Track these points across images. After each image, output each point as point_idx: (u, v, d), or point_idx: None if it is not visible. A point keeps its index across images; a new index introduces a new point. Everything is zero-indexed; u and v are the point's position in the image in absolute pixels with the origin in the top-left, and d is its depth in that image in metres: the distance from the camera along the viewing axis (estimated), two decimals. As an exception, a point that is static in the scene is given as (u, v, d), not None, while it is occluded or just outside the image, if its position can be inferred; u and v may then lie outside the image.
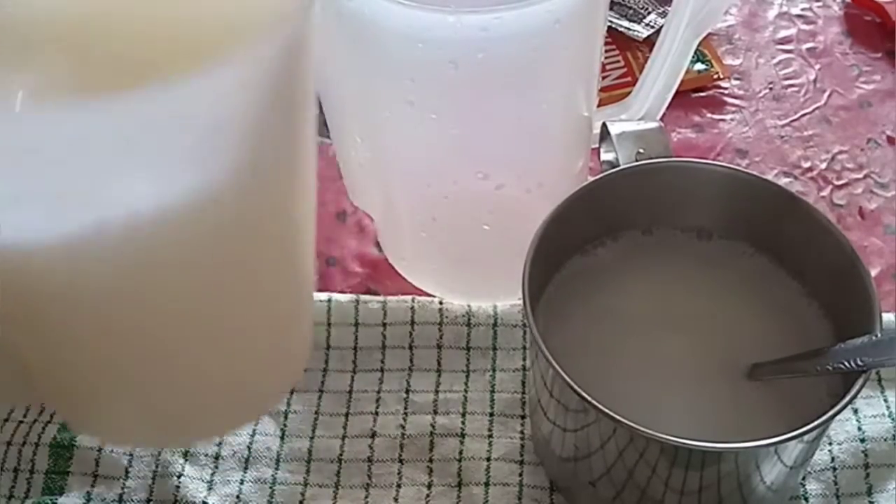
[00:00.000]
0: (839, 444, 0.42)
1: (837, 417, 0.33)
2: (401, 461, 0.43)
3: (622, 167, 0.41)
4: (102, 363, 0.29)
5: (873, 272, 0.49)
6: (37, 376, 0.31)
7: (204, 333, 0.30)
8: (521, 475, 0.42)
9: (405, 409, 0.44)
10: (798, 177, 0.54)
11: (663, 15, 0.61)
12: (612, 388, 0.36)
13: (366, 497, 0.42)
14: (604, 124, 0.43)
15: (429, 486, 0.42)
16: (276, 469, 0.43)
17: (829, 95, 0.59)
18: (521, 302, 0.37)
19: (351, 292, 0.48)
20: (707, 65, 0.59)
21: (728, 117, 0.58)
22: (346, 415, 0.44)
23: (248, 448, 0.43)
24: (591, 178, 0.41)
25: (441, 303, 0.46)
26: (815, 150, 0.56)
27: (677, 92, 0.50)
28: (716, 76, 0.59)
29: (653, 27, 0.60)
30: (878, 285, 0.44)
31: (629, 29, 0.61)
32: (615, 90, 0.57)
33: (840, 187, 0.54)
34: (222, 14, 0.28)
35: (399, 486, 0.42)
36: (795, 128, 0.57)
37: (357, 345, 0.46)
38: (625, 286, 0.41)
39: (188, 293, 0.28)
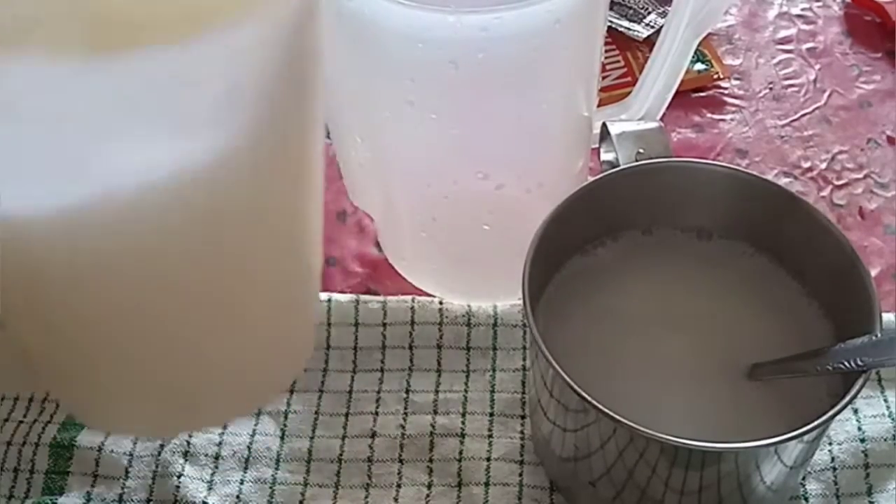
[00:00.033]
0: (839, 444, 0.42)
1: (837, 417, 0.34)
2: (401, 461, 0.43)
3: (622, 167, 0.41)
4: (105, 347, 0.29)
5: (873, 272, 0.49)
6: (38, 362, 0.31)
7: (210, 314, 0.29)
8: (521, 475, 0.42)
9: (405, 409, 0.44)
10: (798, 177, 0.54)
11: (663, 15, 0.61)
12: (612, 388, 0.36)
13: (366, 497, 0.42)
14: (604, 124, 0.43)
15: (429, 486, 0.42)
16: (276, 469, 0.43)
17: (829, 95, 0.59)
18: (521, 302, 0.37)
19: (351, 292, 0.48)
20: (707, 65, 0.59)
21: (728, 117, 0.58)
22: (346, 415, 0.44)
23: (248, 448, 0.43)
24: (591, 178, 0.41)
25: (441, 303, 0.46)
26: (815, 150, 0.56)
27: (677, 92, 0.50)
28: (716, 76, 0.59)
29: (653, 27, 0.60)
30: (878, 285, 0.44)
31: (629, 29, 0.61)
32: (615, 90, 0.57)
33: (840, 187, 0.54)
34: None
35: (399, 486, 0.42)
36: (795, 128, 0.57)
37: (357, 345, 0.46)
38: (625, 286, 0.41)
39: (196, 271, 0.28)
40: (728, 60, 0.61)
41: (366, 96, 0.41)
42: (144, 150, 0.24)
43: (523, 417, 0.44)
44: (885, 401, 0.43)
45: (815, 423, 0.33)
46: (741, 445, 0.33)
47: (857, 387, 0.34)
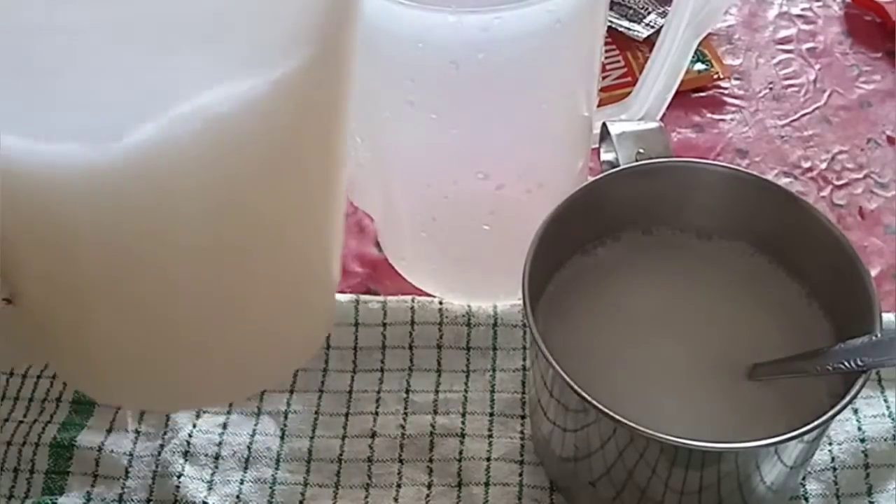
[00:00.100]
0: (839, 444, 0.42)
1: (837, 417, 0.34)
2: (401, 461, 0.43)
3: (622, 167, 0.41)
4: (122, 314, 0.29)
5: (873, 272, 0.49)
6: (52, 337, 0.30)
7: (240, 279, 0.29)
8: (521, 475, 0.42)
9: (405, 409, 0.44)
10: (798, 177, 0.54)
11: (663, 15, 0.60)
12: (612, 387, 0.36)
13: (366, 497, 0.42)
14: (604, 124, 0.43)
15: (429, 486, 0.42)
16: (276, 469, 0.43)
17: (829, 95, 0.59)
18: (521, 302, 0.37)
19: (351, 292, 0.48)
20: (707, 65, 0.59)
21: (728, 117, 0.58)
22: (346, 415, 0.44)
23: (248, 448, 0.43)
24: (591, 178, 0.41)
25: (441, 303, 0.46)
26: (815, 150, 0.56)
27: (677, 92, 0.50)
28: (716, 76, 0.59)
29: (653, 27, 0.60)
30: (878, 285, 0.44)
31: (629, 29, 0.61)
32: (615, 90, 0.57)
33: (840, 187, 0.54)
34: None
35: (399, 486, 0.42)
36: (795, 128, 0.57)
37: (357, 345, 0.46)
38: (625, 286, 0.41)
39: (233, 227, 0.27)
40: (728, 60, 0.61)
41: (366, 96, 0.41)
42: (215, 80, 0.24)
43: (523, 417, 0.44)
44: (885, 401, 0.43)
45: (815, 423, 0.33)
46: (741, 445, 0.33)
47: (857, 387, 0.34)
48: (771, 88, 0.59)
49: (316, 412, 0.44)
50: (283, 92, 0.26)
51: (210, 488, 0.42)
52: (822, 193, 0.54)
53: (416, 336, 0.46)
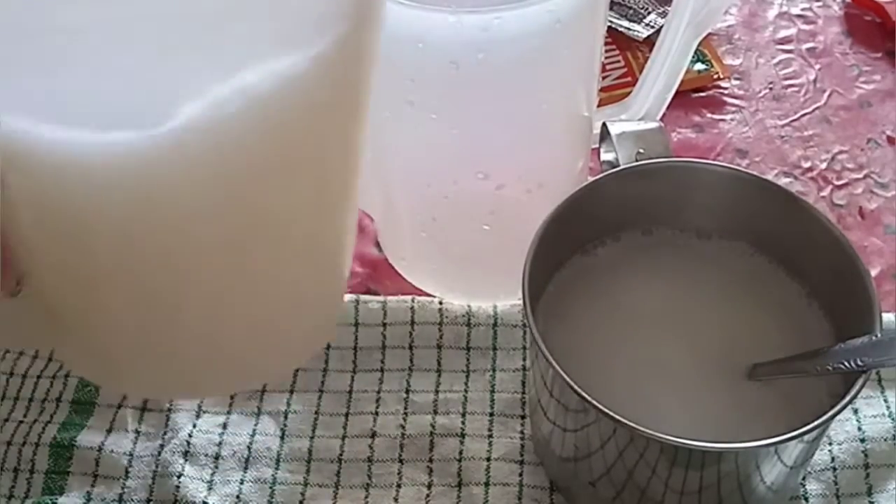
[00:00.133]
0: (839, 444, 0.42)
1: (837, 417, 0.34)
2: (401, 461, 0.43)
3: (622, 167, 0.41)
4: (134, 302, 0.28)
5: (873, 272, 0.49)
6: (59, 318, 0.30)
7: (255, 267, 0.29)
8: (521, 475, 0.42)
9: (405, 409, 0.44)
10: (798, 177, 0.54)
11: (663, 15, 0.61)
12: (612, 388, 0.36)
13: (366, 497, 0.42)
14: (604, 124, 0.43)
15: (429, 486, 0.42)
16: (276, 469, 0.43)
17: (829, 95, 0.59)
18: (521, 302, 0.37)
19: (351, 292, 0.48)
20: (707, 65, 0.59)
21: (728, 117, 0.58)
22: (346, 415, 0.44)
23: (248, 448, 0.43)
24: (591, 178, 0.41)
25: (441, 303, 0.46)
26: (815, 150, 0.56)
27: (677, 92, 0.50)
28: (716, 76, 0.59)
29: (653, 27, 0.60)
30: (878, 285, 0.44)
31: (629, 29, 0.61)
32: (615, 90, 0.57)
33: (840, 187, 0.54)
34: None
35: (399, 486, 0.42)
36: (795, 128, 0.57)
37: (357, 345, 0.46)
38: (625, 286, 0.41)
39: (254, 213, 0.27)
40: (728, 60, 0.61)
41: (366, 96, 0.41)
42: (254, 59, 0.24)
43: (523, 417, 0.44)
44: (885, 401, 0.43)
45: (815, 423, 0.33)
46: (741, 445, 0.33)
47: (857, 387, 0.34)
48: (771, 88, 0.59)
49: (316, 412, 0.44)
50: (322, 68, 0.26)
51: (210, 488, 0.42)
52: (822, 193, 0.54)
53: (416, 336, 0.46)
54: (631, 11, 0.62)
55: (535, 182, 0.44)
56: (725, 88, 0.59)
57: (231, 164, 0.25)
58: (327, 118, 0.28)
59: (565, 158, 0.45)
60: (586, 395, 0.34)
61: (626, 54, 0.60)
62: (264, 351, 0.32)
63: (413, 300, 0.47)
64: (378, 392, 0.45)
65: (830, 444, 0.42)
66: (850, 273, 0.38)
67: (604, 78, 0.55)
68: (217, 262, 0.28)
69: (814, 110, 0.58)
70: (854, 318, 0.37)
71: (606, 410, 0.33)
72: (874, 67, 0.60)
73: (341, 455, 0.43)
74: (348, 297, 0.47)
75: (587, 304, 0.41)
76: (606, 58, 0.59)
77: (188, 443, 0.43)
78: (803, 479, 0.41)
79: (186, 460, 0.42)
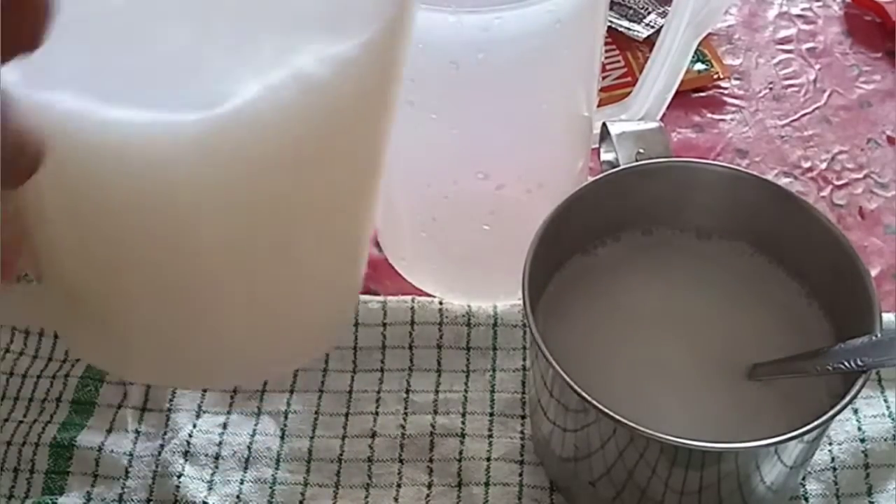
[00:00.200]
0: (839, 444, 0.42)
1: (837, 417, 0.34)
2: (401, 461, 0.43)
3: (622, 167, 0.41)
4: (158, 290, 0.28)
5: (873, 272, 0.49)
6: (75, 303, 0.30)
7: (282, 259, 0.28)
8: (521, 475, 0.42)
9: (405, 409, 0.44)
10: (798, 177, 0.54)
11: (663, 15, 0.60)
12: (612, 387, 0.36)
13: (366, 497, 0.42)
14: (604, 124, 0.43)
15: (429, 486, 0.42)
16: (276, 469, 0.43)
17: (829, 95, 0.59)
18: (521, 302, 0.37)
19: (351, 292, 0.48)
20: (707, 65, 0.59)
21: (728, 117, 0.58)
22: (346, 415, 0.44)
23: (248, 448, 0.43)
24: (591, 178, 0.41)
25: (441, 303, 0.46)
26: (815, 150, 0.56)
27: (677, 92, 0.50)
28: (716, 76, 0.59)
29: (653, 27, 0.60)
30: (878, 285, 0.44)
31: (629, 29, 0.61)
32: (615, 90, 0.57)
33: (840, 187, 0.54)
34: None
35: (399, 486, 0.42)
36: (795, 128, 0.57)
37: (357, 345, 0.46)
38: (625, 286, 0.41)
39: (293, 200, 0.27)
40: (728, 60, 0.61)
41: (366, 96, 0.41)
42: (308, 44, 0.24)
43: (523, 417, 0.44)
44: (885, 401, 0.43)
45: (815, 423, 0.33)
46: (741, 445, 0.33)
47: (857, 387, 0.34)
48: (771, 88, 0.59)
49: (316, 412, 0.44)
50: (372, 53, 0.26)
51: (210, 488, 0.42)
52: (822, 193, 0.54)
53: (416, 336, 0.46)
54: (631, 11, 0.62)
55: (535, 182, 0.44)
56: (725, 88, 0.59)
57: (280, 151, 0.25)
58: (374, 105, 0.28)
59: (565, 158, 0.45)
60: (586, 395, 0.34)
61: (626, 54, 0.60)
62: (284, 342, 0.32)
63: (413, 300, 0.47)
64: (378, 392, 0.45)
65: (830, 444, 0.42)
66: (850, 273, 0.38)
67: (604, 78, 0.55)
68: (252, 251, 0.28)
69: (814, 110, 0.58)
70: (854, 318, 0.37)
71: (606, 410, 0.33)
72: (874, 67, 0.60)
73: (341, 455, 0.43)
74: (348, 297, 0.47)
75: (587, 304, 0.41)
76: (606, 58, 0.59)
77: (188, 443, 0.43)
78: (803, 479, 0.41)
79: (186, 460, 0.42)
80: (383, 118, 0.29)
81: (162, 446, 0.43)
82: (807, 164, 0.55)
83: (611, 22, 0.60)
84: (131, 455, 0.43)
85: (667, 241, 0.43)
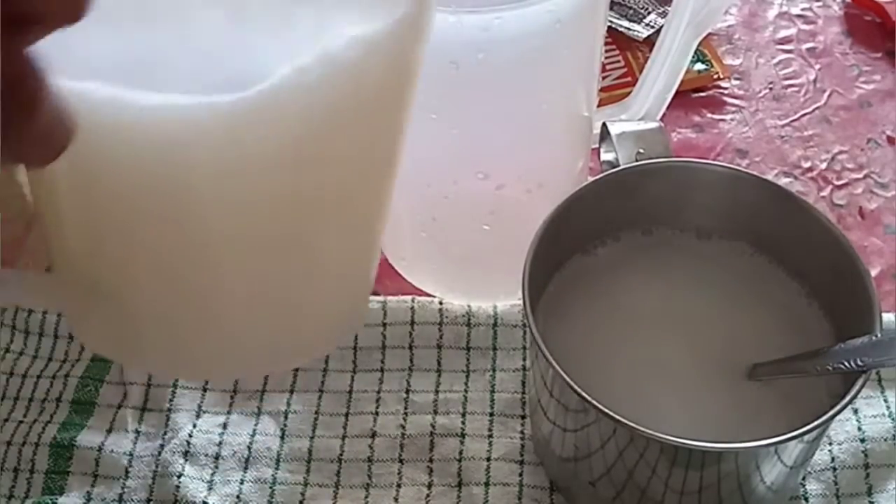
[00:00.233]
0: (839, 444, 0.42)
1: (837, 417, 0.34)
2: (401, 461, 0.43)
3: (622, 167, 0.41)
4: (182, 281, 0.28)
5: (873, 272, 0.49)
6: (91, 293, 0.30)
7: (308, 243, 0.28)
8: (521, 475, 0.42)
9: (405, 409, 0.44)
10: (798, 177, 0.54)
11: (663, 15, 0.60)
12: (612, 387, 0.36)
13: (366, 497, 0.42)
14: (604, 124, 0.43)
15: (429, 486, 0.42)
16: (276, 469, 0.43)
17: (829, 95, 0.59)
18: (521, 302, 0.37)
19: (351, 292, 0.48)
20: (707, 65, 0.59)
21: (728, 117, 0.58)
22: (346, 415, 0.44)
23: (248, 448, 0.43)
24: (591, 178, 0.41)
25: (441, 303, 0.46)
26: (815, 150, 0.56)
27: (677, 92, 0.50)
28: (716, 76, 0.59)
29: (653, 27, 0.60)
30: (878, 285, 0.44)
31: (629, 29, 0.61)
32: (615, 90, 0.57)
33: (840, 187, 0.54)
34: None
35: (399, 486, 0.42)
36: (795, 128, 0.57)
37: (357, 345, 0.46)
38: (625, 286, 0.41)
39: (318, 184, 0.27)
40: (728, 60, 0.61)
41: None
42: (332, 24, 0.24)
43: (523, 417, 0.44)
44: (885, 401, 0.43)
45: (815, 423, 0.33)
46: (741, 445, 0.33)
47: (857, 387, 0.34)
48: (771, 88, 0.59)
49: (316, 412, 0.44)
50: (398, 35, 0.26)
51: (210, 488, 0.42)
52: (822, 193, 0.54)
53: (416, 336, 0.46)
54: (631, 11, 0.62)
55: (535, 182, 0.44)
56: (725, 88, 0.59)
57: (306, 133, 0.25)
58: (398, 88, 0.28)
59: (565, 158, 0.45)
60: (586, 395, 0.34)
61: (626, 54, 0.60)
62: (299, 334, 0.32)
63: (413, 300, 0.47)
64: (378, 392, 0.45)
65: (830, 444, 0.42)
66: (850, 273, 0.38)
67: (604, 78, 0.55)
68: (273, 238, 0.28)
69: (814, 110, 0.58)
70: (854, 318, 0.37)
71: (606, 410, 0.33)
72: (874, 67, 0.60)
73: (341, 455, 0.43)
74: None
75: (587, 304, 0.41)
76: (606, 58, 0.59)
77: (188, 443, 0.43)
78: (803, 479, 0.41)
79: (186, 460, 0.42)
80: (405, 103, 0.29)
81: (162, 446, 0.43)
82: (807, 164, 0.55)
83: (611, 22, 0.60)
84: (131, 455, 0.43)
85: (667, 241, 0.43)
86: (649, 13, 0.61)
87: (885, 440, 0.41)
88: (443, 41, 0.37)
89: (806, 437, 0.34)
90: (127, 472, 0.42)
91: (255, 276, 0.28)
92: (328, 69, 0.24)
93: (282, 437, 0.44)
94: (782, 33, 0.63)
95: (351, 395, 0.45)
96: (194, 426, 0.44)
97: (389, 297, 0.47)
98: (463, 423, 0.44)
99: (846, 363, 0.35)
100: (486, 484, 0.42)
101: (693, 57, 0.52)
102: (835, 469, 0.41)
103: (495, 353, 0.46)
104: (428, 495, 0.42)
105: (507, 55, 0.38)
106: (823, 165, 0.55)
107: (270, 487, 0.42)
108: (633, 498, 0.37)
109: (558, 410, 0.37)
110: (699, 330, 0.40)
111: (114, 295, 0.29)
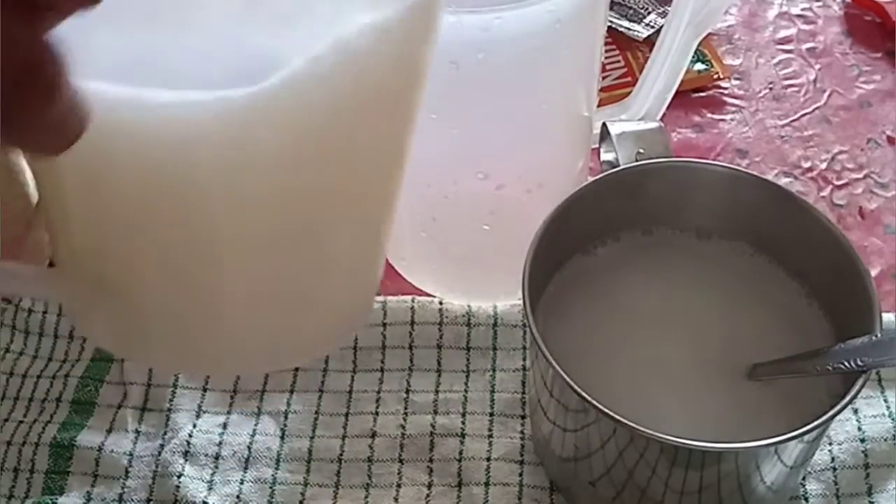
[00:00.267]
0: (839, 444, 0.42)
1: (837, 417, 0.34)
2: (401, 461, 0.43)
3: (622, 167, 0.41)
4: (189, 276, 0.28)
5: (873, 272, 0.49)
6: (98, 288, 0.30)
7: (317, 237, 0.28)
8: (521, 475, 0.42)
9: (405, 409, 0.44)
10: (798, 177, 0.54)
11: (663, 15, 0.60)
12: (612, 387, 0.36)
13: (366, 497, 0.42)
14: (604, 124, 0.43)
15: (429, 486, 0.42)
16: (276, 469, 0.43)
17: (829, 95, 0.59)
18: (521, 302, 0.37)
19: (351, 292, 0.48)
20: (707, 65, 0.59)
21: (728, 117, 0.58)
22: (346, 415, 0.44)
23: (248, 448, 0.43)
24: (591, 178, 0.41)
25: (441, 303, 0.46)
26: (815, 150, 0.56)
27: (677, 92, 0.50)
28: (716, 76, 0.59)
29: (653, 27, 0.60)
30: (878, 285, 0.44)
31: (629, 29, 0.61)
32: (615, 90, 0.57)
33: (840, 187, 0.54)
34: None
35: (399, 486, 0.42)
36: (795, 128, 0.57)
37: (357, 345, 0.46)
38: (625, 286, 0.41)
39: (330, 178, 0.27)
40: (728, 60, 0.61)
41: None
42: (343, 13, 0.24)
43: (523, 417, 0.44)
44: (885, 401, 0.43)
45: (815, 423, 0.33)
46: (741, 445, 0.33)
47: (857, 387, 0.34)
48: (771, 88, 0.59)
49: (316, 412, 0.44)
50: (410, 23, 0.25)
51: (210, 488, 0.42)
52: (822, 193, 0.54)
53: (416, 336, 0.46)
54: (631, 11, 0.62)
55: (535, 182, 0.44)
56: (725, 88, 0.59)
57: (324, 123, 0.25)
58: (412, 76, 0.28)
59: (565, 158, 0.45)
60: (586, 395, 0.34)
61: (626, 54, 0.60)
62: (304, 332, 0.32)
63: (413, 300, 0.47)
64: (378, 392, 0.45)
65: (830, 444, 0.42)
66: (850, 273, 0.38)
67: (604, 78, 0.55)
68: (283, 232, 0.27)
69: (814, 110, 0.58)
70: (854, 318, 0.37)
71: (606, 410, 0.33)
72: (874, 67, 0.60)
73: (341, 455, 0.43)
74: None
75: (587, 304, 0.41)
76: (606, 58, 0.59)
77: (188, 443, 0.43)
78: (803, 479, 0.41)
79: (186, 460, 0.42)
80: (415, 95, 0.29)
81: (162, 446, 0.43)
82: (807, 164, 0.55)
83: (611, 22, 0.60)
84: (131, 455, 0.43)
85: (667, 241, 0.43)
86: (649, 13, 0.61)
87: (885, 440, 0.41)
88: (443, 41, 0.37)
89: (806, 437, 0.34)
90: (127, 472, 0.42)
91: (264, 273, 0.28)
92: (341, 57, 0.24)
93: (282, 437, 0.44)
94: (782, 33, 0.63)
95: (351, 395, 0.45)
96: (194, 426, 0.44)
97: (389, 297, 0.47)
98: (463, 423, 0.44)
99: (846, 363, 0.35)
100: (486, 484, 0.42)
101: (693, 57, 0.52)
102: (835, 469, 0.41)
103: (495, 353, 0.46)
104: (428, 495, 0.42)
105: (507, 55, 0.38)
106: (823, 165, 0.55)
107: (270, 487, 0.42)
108: (633, 498, 0.37)
109: (558, 410, 0.37)
110: (699, 330, 0.40)
111: (119, 290, 0.29)
